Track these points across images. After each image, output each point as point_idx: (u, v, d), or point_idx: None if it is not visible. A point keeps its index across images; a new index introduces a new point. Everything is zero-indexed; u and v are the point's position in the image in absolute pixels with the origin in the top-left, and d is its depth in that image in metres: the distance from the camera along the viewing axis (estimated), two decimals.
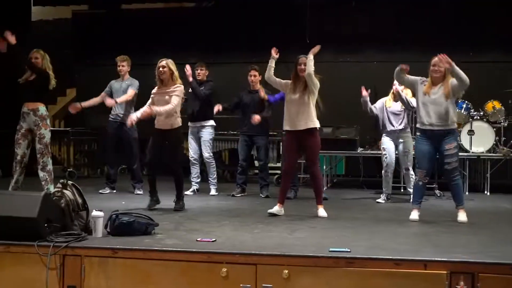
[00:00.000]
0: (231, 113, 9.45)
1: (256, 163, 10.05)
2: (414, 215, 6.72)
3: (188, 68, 8.80)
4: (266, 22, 12.68)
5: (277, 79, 7.18)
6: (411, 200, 6.97)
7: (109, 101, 8.87)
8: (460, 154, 9.52)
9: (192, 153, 9.18)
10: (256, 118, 8.56)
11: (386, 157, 8.46)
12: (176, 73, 7.30)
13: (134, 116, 7.36)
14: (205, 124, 9.10)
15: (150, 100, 7.40)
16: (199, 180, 9.29)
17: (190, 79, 8.81)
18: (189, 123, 9.14)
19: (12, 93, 7.79)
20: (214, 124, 9.23)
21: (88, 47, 13.50)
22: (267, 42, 12.46)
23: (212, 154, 9.29)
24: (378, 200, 8.45)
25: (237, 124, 9.92)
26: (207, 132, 9.12)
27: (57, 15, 14.66)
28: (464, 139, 9.71)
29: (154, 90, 7.41)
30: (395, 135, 8.43)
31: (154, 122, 7.41)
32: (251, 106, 8.87)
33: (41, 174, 7.64)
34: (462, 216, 6.65)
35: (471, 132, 9.68)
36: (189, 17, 13.20)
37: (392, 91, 8.39)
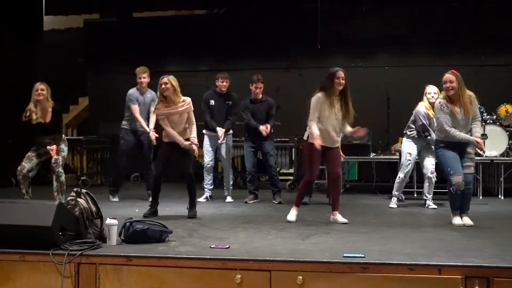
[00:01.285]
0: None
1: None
2: (458, 220, 6.68)
3: None
4: (277, 28, 12.70)
5: (316, 114, 6.80)
6: (452, 207, 6.77)
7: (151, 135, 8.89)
8: None
9: (209, 160, 9.19)
10: (267, 128, 8.77)
11: (409, 163, 8.39)
12: (178, 88, 7.30)
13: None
14: (229, 133, 9.18)
15: (154, 118, 7.40)
16: (212, 187, 9.31)
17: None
18: (210, 133, 9.13)
19: (21, 104, 7.82)
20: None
21: (100, 55, 13.59)
22: (278, 48, 12.62)
23: (232, 161, 9.35)
24: (391, 205, 8.42)
25: None
26: (230, 139, 9.23)
27: (69, 25, 14.75)
28: None
29: (159, 108, 7.33)
30: (424, 143, 8.34)
31: (163, 135, 7.43)
32: (257, 115, 8.91)
33: (55, 184, 7.71)
34: (468, 220, 6.65)
35: (484, 136, 9.61)
36: (201, 24, 13.25)
37: (428, 98, 8.25)
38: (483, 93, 10.53)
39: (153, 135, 8.78)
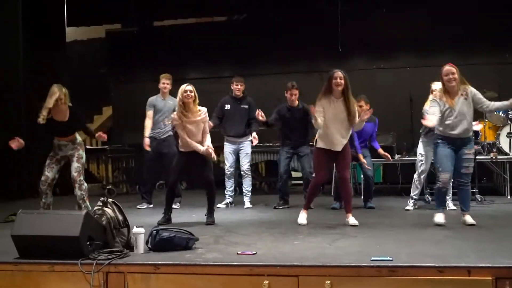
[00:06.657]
0: (266, 126, 9.26)
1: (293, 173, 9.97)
2: (441, 218, 6.74)
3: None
4: (297, 32, 12.66)
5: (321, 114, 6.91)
6: (438, 203, 6.89)
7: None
8: (499, 157, 9.46)
9: (229, 166, 9.19)
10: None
11: (421, 164, 8.35)
12: (197, 99, 7.36)
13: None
14: (246, 140, 9.16)
15: (172, 123, 7.46)
16: (233, 194, 9.31)
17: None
18: (228, 138, 9.19)
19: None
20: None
21: (122, 65, 13.70)
22: (299, 52, 12.59)
23: (250, 167, 9.30)
24: (406, 208, 8.32)
25: (272, 136, 9.94)
26: (248, 145, 9.18)
27: (91, 35, 14.91)
28: (504, 142, 9.57)
29: (177, 117, 7.33)
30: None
31: (179, 144, 7.44)
32: (291, 122, 8.84)
33: (78, 192, 7.68)
34: (470, 218, 6.70)
35: (510, 135, 9.53)
36: (221, 31, 13.27)
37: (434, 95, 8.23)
38: (509, 91, 10.44)
39: (147, 140, 9.07)
